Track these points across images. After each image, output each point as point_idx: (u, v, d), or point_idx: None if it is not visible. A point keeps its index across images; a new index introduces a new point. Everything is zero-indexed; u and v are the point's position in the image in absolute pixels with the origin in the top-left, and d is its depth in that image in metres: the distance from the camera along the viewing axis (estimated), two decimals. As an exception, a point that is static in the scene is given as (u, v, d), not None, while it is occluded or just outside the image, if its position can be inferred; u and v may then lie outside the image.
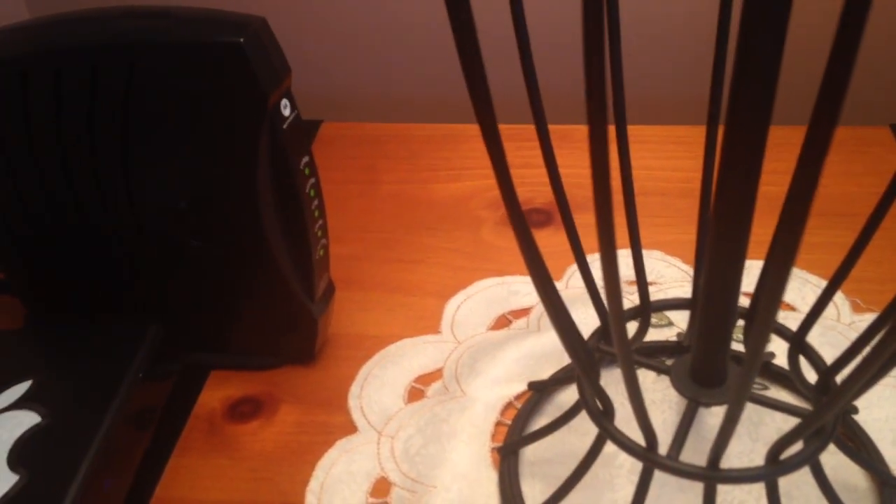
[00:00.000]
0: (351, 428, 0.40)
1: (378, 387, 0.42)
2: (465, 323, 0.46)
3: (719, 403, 0.32)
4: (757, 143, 0.24)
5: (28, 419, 0.35)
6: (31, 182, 0.39)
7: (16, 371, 0.37)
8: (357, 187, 0.58)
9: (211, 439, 0.40)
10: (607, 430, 0.31)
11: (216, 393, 0.43)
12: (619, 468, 0.37)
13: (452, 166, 0.60)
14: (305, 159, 0.39)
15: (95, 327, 0.40)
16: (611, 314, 0.25)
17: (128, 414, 0.36)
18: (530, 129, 0.57)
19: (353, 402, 0.41)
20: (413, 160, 0.61)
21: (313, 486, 0.38)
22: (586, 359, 0.31)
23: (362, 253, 0.51)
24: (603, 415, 0.32)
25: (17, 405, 0.36)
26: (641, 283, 0.37)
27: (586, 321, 0.44)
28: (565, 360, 0.42)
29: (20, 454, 0.33)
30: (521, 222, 0.26)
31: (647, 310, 0.37)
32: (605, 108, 0.21)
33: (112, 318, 0.41)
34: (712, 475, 0.29)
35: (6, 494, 0.32)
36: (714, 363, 0.32)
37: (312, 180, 0.39)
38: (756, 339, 0.23)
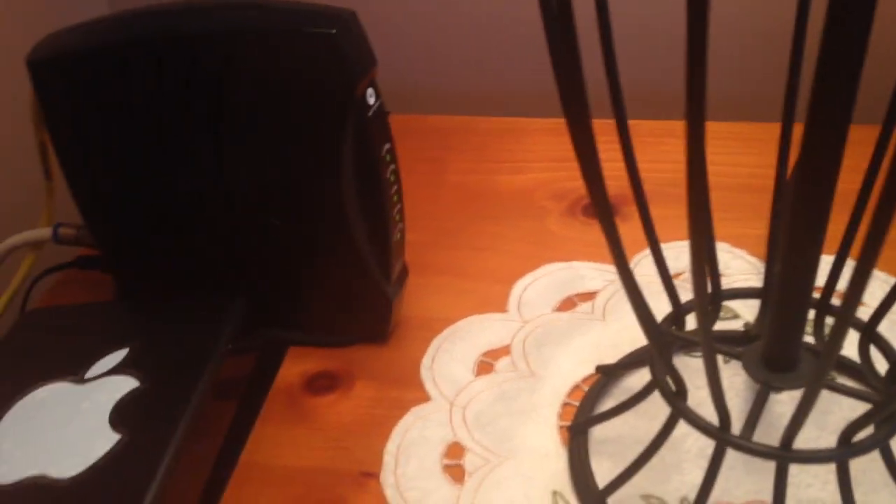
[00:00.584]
0: (424, 400, 0.42)
1: (448, 359, 0.44)
2: (532, 303, 0.47)
3: (791, 388, 0.33)
4: (837, 141, 0.25)
5: (126, 384, 0.37)
6: (129, 164, 0.41)
7: (113, 340, 0.40)
8: (423, 177, 0.59)
9: (291, 411, 0.42)
10: (680, 410, 0.33)
11: (295, 368, 0.45)
12: (687, 452, 0.38)
13: (516, 158, 0.61)
14: (387, 146, 0.41)
15: (185, 302, 0.42)
16: (695, 291, 0.26)
17: (216, 383, 0.38)
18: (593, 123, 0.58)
19: (425, 374, 0.43)
20: (477, 152, 0.62)
21: (390, 448, 0.40)
22: (661, 338, 0.33)
23: (429, 240, 0.53)
24: (676, 395, 0.33)
25: (116, 371, 0.38)
26: (714, 271, 0.38)
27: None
28: (630, 349, 0.43)
29: (120, 416, 0.36)
30: (604, 198, 0.27)
31: (719, 297, 0.38)
32: (704, 107, 0.22)
33: (199, 293, 0.43)
34: (786, 455, 0.30)
35: (109, 451, 0.34)
36: (787, 349, 0.33)
37: (392, 166, 0.41)
38: (839, 323, 0.24)
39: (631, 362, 0.42)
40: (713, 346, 0.29)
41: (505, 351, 0.45)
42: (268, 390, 0.43)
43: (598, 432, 0.39)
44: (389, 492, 0.38)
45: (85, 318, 0.43)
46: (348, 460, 0.40)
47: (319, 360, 0.45)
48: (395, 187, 0.41)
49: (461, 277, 0.50)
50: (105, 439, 0.34)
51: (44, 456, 0.34)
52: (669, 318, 0.37)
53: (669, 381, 0.33)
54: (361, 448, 0.40)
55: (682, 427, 0.35)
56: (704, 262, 0.25)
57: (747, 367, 0.34)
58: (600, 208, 0.28)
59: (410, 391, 0.43)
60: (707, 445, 0.38)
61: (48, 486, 0.33)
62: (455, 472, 0.38)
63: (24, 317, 0.44)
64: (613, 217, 0.28)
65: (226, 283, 0.43)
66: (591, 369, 0.43)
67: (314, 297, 0.44)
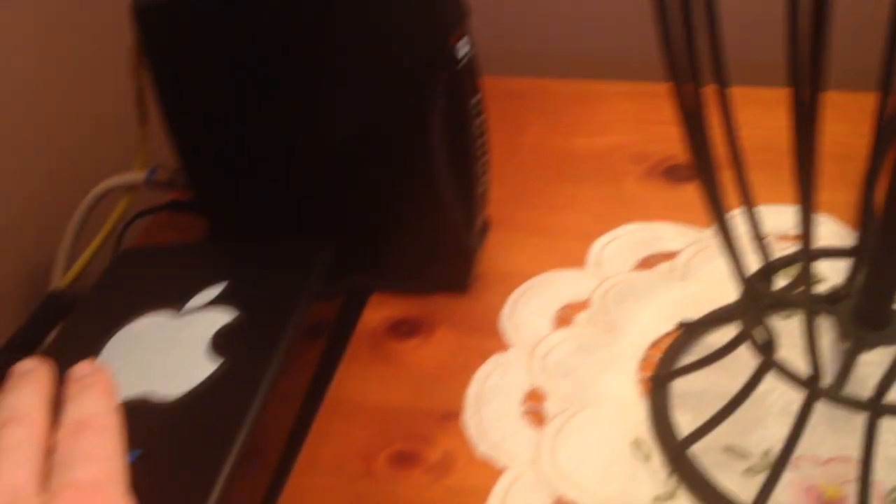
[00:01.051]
0: (503, 348, 0.43)
1: (527, 311, 0.45)
2: (611, 261, 0.47)
3: (883, 344, 0.33)
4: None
5: (223, 317, 0.39)
6: (229, 108, 0.43)
7: (209, 276, 0.41)
8: (501, 136, 0.59)
9: (375, 353, 0.44)
10: (771, 361, 0.33)
11: (377, 313, 0.46)
12: (770, 408, 0.38)
13: (593, 121, 0.61)
14: (476, 97, 0.41)
15: (277, 244, 0.43)
16: (802, 233, 0.26)
17: (306, 322, 0.40)
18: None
19: (504, 324, 0.44)
20: (555, 115, 0.62)
21: (471, 391, 0.41)
22: (754, 288, 0.33)
23: (507, 198, 0.54)
24: (767, 346, 0.33)
25: (213, 305, 0.39)
26: (807, 229, 0.38)
27: (730, 275, 0.45)
28: (711, 308, 0.43)
29: (218, 346, 0.37)
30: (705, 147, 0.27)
31: (813, 255, 0.38)
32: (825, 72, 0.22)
33: (288, 237, 0.44)
34: (878, 407, 0.30)
35: (209, 377, 0.35)
36: (879, 306, 0.33)
37: (480, 118, 0.42)
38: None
39: (715, 318, 0.42)
40: (811, 293, 0.29)
41: (583, 305, 0.45)
42: (352, 333, 0.45)
43: (678, 387, 0.40)
44: (472, 432, 0.39)
45: (180, 256, 0.44)
46: (431, 401, 0.41)
47: (401, 307, 0.46)
48: (482, 140, 0.42)
49: (539, 235, 0.51)
50: (204, 367, 0.36)
51: (148, 379, 0.36)
52: (759, 273, 0.37)
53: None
54: (443, 391, 0.41)
55: (765, 384, 0.35)
56: (811, 208, 0.25)
57: (840, 323, 0.34)
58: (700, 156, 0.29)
59: (490, 340, 0.44)
60: (790, 402, 0.39)
61: (153, 406, 0.34)
62: (535, 417, 0.39)
63: (121, 255, 0.46)
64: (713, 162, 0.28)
65: (313, 230, 0.45)
66: (671, 326, 0.43)
67: (398, 246, 0.45)
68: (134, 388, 0.35)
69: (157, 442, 0.33)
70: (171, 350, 0.37)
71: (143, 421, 0.34)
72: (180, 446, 0.33)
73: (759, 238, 0.38)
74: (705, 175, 0.31)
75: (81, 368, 0.31)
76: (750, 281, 0.32)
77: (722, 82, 0.34)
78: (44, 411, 0.28)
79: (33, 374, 0.30)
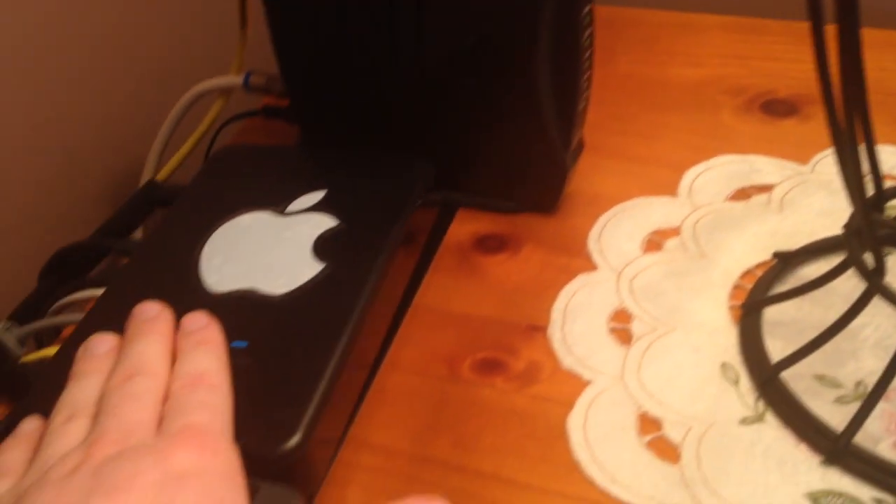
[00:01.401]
0: (590, 269, 0.43)
1: (616, 234, 0.44)
2: (704, 191, 0.47)
3: None
4: None
5: (326, 222, 0.39)
6: (334, 15, 0.42)
7: (310, 181, 0.42)
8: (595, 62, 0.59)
9: (461, 264, 0.44)
10: (879, 287, 0.32)
11: (464, 227, 0.46)
12: (864, 341, 0.38)
13: (689, 52, 0.59)
14: (587, 8, 0.40)
15: (374, 156, 0.44)
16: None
17: (404, 232, 0.40)
18: (770, 24, 0.56)
19: (592, 245, 0.44)
20: (649, 44, 0.61)
21: (557, 306, 0.41)
22: (869, 212, 0.32)
23: (599, 123, 0.52)
24: (874, 272, 0.32)
25: (316, 209, 0.40)
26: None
27: (828, 209, 0.44)
28: (807, 241, 0.42)
29: (322, 248, 0.38)
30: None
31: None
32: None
33: (386, 151, 0.44)
34: None
35: (314, 277, 0.36)
36: None
37: (590, 30, 0.41)
38: None
39: (813, 249, 0.41)
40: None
41: (674, 232, 0.44)
42: (438, 244, 0.45)
43: (770, 315, 0.39)
44: (557, 345, 0.39)
45: (279, 158, 0.45)
46: (517, 314, 0.41)
47: (488, 223, 0.46)
48: (589, 52, 0.41)
49: (630, 161, 0.50)
50: (309, 266, 0.36)
51: (253, 273, 0.36)
52: (871, 200, 0.36)
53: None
54: (529, 305, 0.41)
55: (861, 317, 0.35)
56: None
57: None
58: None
59: (577, 260, 0.44)
60: (885, 337, 0.38)
61: (259, 300, 0.35)
62: (622, 336, 0.39)
63: (221, 151, 0.46)
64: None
65: (407, 143, 0.45)
66: (765, 256, 0.42)
67: (492, 161, 0.45)
68: (239, 281, 0.36)
69: (264, 335, 0.34)
70: (276, 248, 0.38)
71: (249, 314, 0.35)
72: (286, 341, 0.33)
73: (874, 166, 0.37)
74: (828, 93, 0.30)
75: (196, 319, 0.32)
76: (866, 202, 0.31)
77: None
78: (167, 364, 0.30)
79: (159, 323, 0.32)
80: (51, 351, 0.39)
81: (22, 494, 0.26)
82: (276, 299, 0.35)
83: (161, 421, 0.28)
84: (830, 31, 0.28)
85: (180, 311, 0.35)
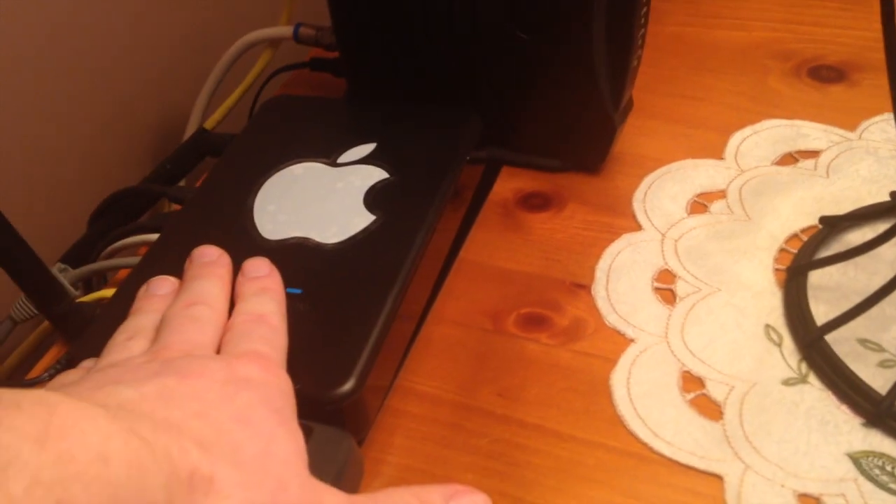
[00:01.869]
0: (635, 229, 0.43)
1: (661, 195, 0.44)
2: (750, 154, 0.46)
3: None
4: None
5: (377, 174, 0.39)
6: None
7: (360, 133, 0.42)
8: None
9: (506, 221, 0.44)
10: (930, 252, 0.32)
11: (508, 184, 0.47)
12: (909, 307, 0.38)
13: (737, 16, 0.59)
14: (645, -37, 0.40)
15: (421, 108, 0.44)
16: None
17: (454, 186, 0.40)
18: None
19: (637, 206, 0.44)
20: (696, 5, 0.60)
21: (601, 265, 0.41)
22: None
23: (644, 85, 0.52)
24: (926, 238, 0.32)
25: (366, 161, 0.40)
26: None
27: (875, 176, 0.44)
28: (853, 208, 0.42)
29: (374, 200, 0.38)
30: None
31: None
32: None
33: (434, 105, 0.45)
34: None
35: (367, 227, 0.37)
36: None
37: (649, -16, 0.40)
38: None
39: (860, 214, 0.41)
40: None
41: (720, 195, 0.45)
42: (483, 201, 0.45)
43: (814, 279, 0.39)
44: (601, 302, 0.39)
45: (328, 110, 0.45)
46: (560, 271, 0.41)
47: (532, 181, 0.47)
48: (646, 9, 0.40)
49: (676, 123, 0.50)
50: (361, 217, 0.37)
51: (306, 222, 0.37)
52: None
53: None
54: (573, 262, 0.42)
55: (907, 284, 0.35)
56: None
57: None
58: None
59: (622, 220, 0.44)
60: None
61: (314, 248, 0.36)
62: (665, 295, 0.40)
63: (270, 101, 0.47)
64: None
65: (458, 97, 0.45)
66: (810, 221, 0.42)
67: (541, 118, 0.45)
68: (293, 229, 0.37)
69: (318, 283, 0.34)
70: (328, 198, 0.38)
71: (303, 262, 0.35)
72: (340, 289, 0.34)
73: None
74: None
75: (259, 266, 0.33)
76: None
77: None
78: (226, 301, 0.32)
79: (219, 267, 0.33)
80: (108, 292, 0.40)
81: (87, 378, 0.26)
82: (330, 248, 0.36)
83: (221, 348, 0.29)
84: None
85: (237, 257, 0.36)
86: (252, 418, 0.25)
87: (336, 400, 0.30)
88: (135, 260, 0.42)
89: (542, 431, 0.35)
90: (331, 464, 0.29)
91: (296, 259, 0.35)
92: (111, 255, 0.44)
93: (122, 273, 0.44)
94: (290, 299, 0.33)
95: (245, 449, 0.24)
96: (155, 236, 0.41)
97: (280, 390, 0.27)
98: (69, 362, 0.34)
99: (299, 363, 0.31)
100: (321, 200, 0.38)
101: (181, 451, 0.22)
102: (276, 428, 0.26)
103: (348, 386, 0.30)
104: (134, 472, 0.20)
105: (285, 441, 0.26)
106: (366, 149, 0.41)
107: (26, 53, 0.43)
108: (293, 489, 0.24)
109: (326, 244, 0.36)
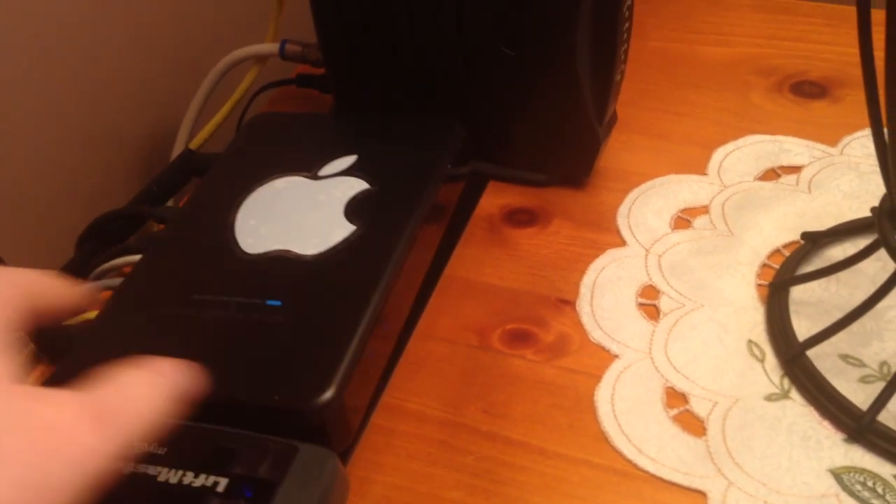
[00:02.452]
0: (619, 244, 0.43)
1: (646, 210, 0.45)
2: (733, 170, 0.47)
3: None
4: None
5: (358, 185, 0.40)
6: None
7: (342, 146, 0.42)
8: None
9: (491, 237, 0.45)
10: (909, 268, 0.32)
11: (494, 200, 0.47)
12: (889, 322, 0.38)
13: (720, 31, 0.59)
14: (629, -21, 0.40)
15: (408, 120, 0.44)
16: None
17: (434, 201, 0.40)
18: (802, 5, 0.56)
19: (621, 221, 0.44)
20: (680, 21, 0.61)
21: (586, 281, 0.41)
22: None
23: (627, 99, 0.53)
24: (905, 254, 0.33)
25: (347, 173, 0.40)
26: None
27: (856, 192, 0.45)
28: (835, 223, 0.43)
29: (354, 211, 0.38)
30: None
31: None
32: None
33: (416, 115, 0.45)
34: None
35: (347, 238, 0.37)
36: None
37: (630, 1, 0.41)
38: None
39: (842, 230, 0.41)
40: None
41: (703, 210, 0.45)
42: (468, 217, 0.46)
43: (796, 294, 0.40)
44: (585, 318, 0.40)
45: (312, 125, 0.45)
46: (546, 287, 0.42)
47: (517, 197, 0.47)
48: (628, 24, 0.41)
49: (659, 138, 0.50)
50: (342, 228, 0.37)
51: (287, 235, 0.37)
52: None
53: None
54: (558, 278, 0.42)
55: (887, 300, 0.35)
56: None
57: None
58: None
59: (606, 235, 0.44)
60: (914, 319, 0.38)
61: (293, 260, 0.36)
62: (649, 311, 0.40)
63: (254, 119, 0.47)
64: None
65: (445, 112, 0.45)
66: (793, 236, 0.43)
67: (526, 132, 0.46)
68: (274, 242, 0.37)
69: (297, 294, 0.35)
70: (309, 211, 0.39)
71: (283, 274, 0.36)
72: (319, 300, 0.34)
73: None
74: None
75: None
76: (898, 186, 0.32)
77: None
78: None
79: None
80: (91, 314, 0.40)
81: None
82: (309, 260, 0.36)
83: None
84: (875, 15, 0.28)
85: (218, 273, 0.36)
86: None
87: (316, 410, 0.30)
88: (115, 281, 0.42)
89: (527, 448, 0.35)
90: (316, 483, 0.29)
91: (275, 271, 0.36)
92: (99, 277, 0.44)
93: (108, 294, 0.44)
94: (269, 311, 0.34)
95: None
96: (137, 256, 0.41)
97: None
98: (53, 385, 0.34)
99: (278, 375, 0.31)
100: (302, 213, 0.38)
101: None
102: None
103: (328, 395, 0.30)
104: None
105: None
106: (347, 161, 0.41)
107: (9, 75, 0.43)
108: None
109: (306, 255, 0.36)
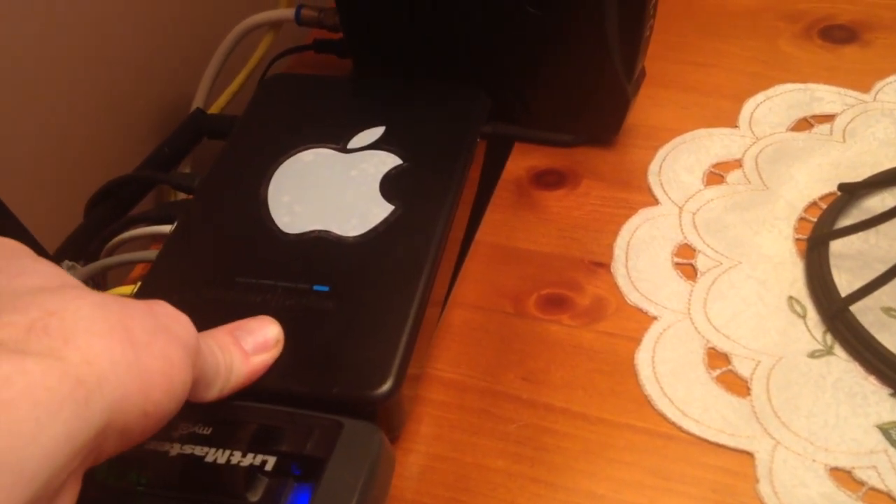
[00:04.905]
0: (651, 203, 0.43)
1: (677, 167, 0.44)
2: (764, 121, 0.46)
3: None
4: None
5: (390, 160, 0.39)
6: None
7: (369, 115, 0.41)
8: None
9: (520, 200, 0.44)
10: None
11: (521, 162, 0.46)
12: (932, 273, 0.37)
13: (744, -24, 0.58)
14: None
15: (429, 87, 0.43)
16: None
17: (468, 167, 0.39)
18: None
19: (652, 179, 0.44)
20: (702, -33, 0.59)
21: (619, 242, 0.41)
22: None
23: (654, 53, 0.51)
24: (953, 206, 0.32)
25: (377, 146, 0.39)
26: None
27: (892, 139, 0.44)
28: (871, 172, 0.42)
29: (390, 188, 0.37)
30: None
31: None
32: None
33: (442, 83, 0.44)
34: None
35: (385, 219, 0.36)
36: None
37: (658, -47, 0.39)
38: None
39: (879, 180, 0.40)
40: None
41: (735, 164, 0.44)
42: (496, 180, 0.45)
43: (835, 248, 0.39)
44: (621, 281, 0.39)
45: (334, 89, 0.44)
46: (579, 249, 0.41)
47: (545, 158, 0.46)
48: (658, -23, 0.40)
49: (687, 91, 0.49)
50: (380, 207, 0.36)
51: (325, 214, 0.36)
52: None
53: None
54: (591, 240, 0.41)
55: (930, 250, 0.34)
56: None
57: None
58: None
59: (637, 194, 0.43)
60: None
61: (335, 241, 0.35)
62: (686, 270, 0.39)
63: (273, 79, 0.45)
64: None
65: (466, 74, 0.44)
66: (828, 188, 0.42)
67: (553, 92, 0.44)
68: (312, 222, 0.36)
69: (344, 278, 0.34)
70: (343, 188, 0.38)
71: (327, 256, 0.35)
72: (367, 284, 0.34)
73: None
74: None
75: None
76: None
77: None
78: None
79: None
80: (125, 289, 0.39)
81: None
82: (352, 241, 0.35)
83: None
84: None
85: (259, 253, 0.35)
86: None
87: (375, 402, 0.30)
88: (144, 254, 0.42)
89: (569, 414, 0.35)
90: (363, 458, 0.29)
91: (319, 254, 0.35)
92: (116, 248, 0.43)
93: (137, 270, 0.44)
94: (318, 297, 0.33)
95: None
96: (162, 228, 0.41)
97: None
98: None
99: (333, 364, 0.31)
100: (337, 190, 0.38)
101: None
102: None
103: (387, 387, 0.30)
104: None
105: None
106: (375, 132, 0.40)
107: (24, 41, 0.42)
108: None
109: (348, 237, 0.35)
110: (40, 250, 0.33)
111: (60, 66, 0.45)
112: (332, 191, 0.38)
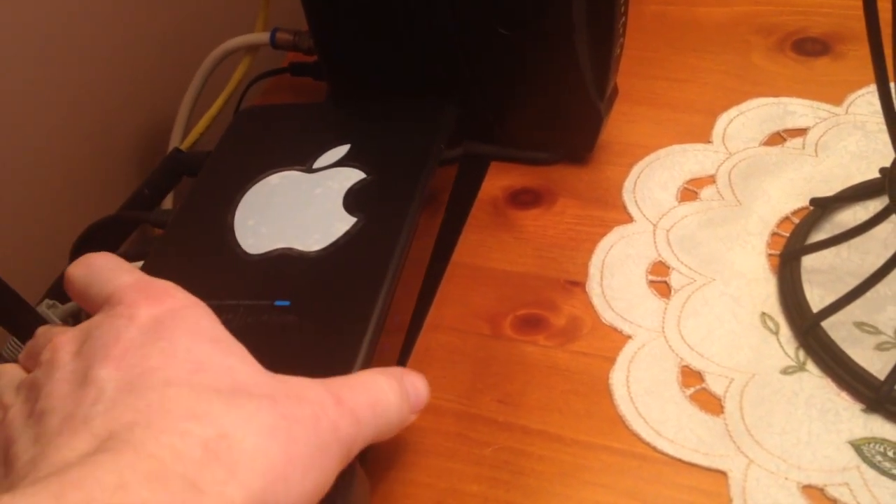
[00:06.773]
0: (626, 221, 0.43)
1: (651, 184, 0.44)
2: (738, 136, 0.46)
3: None
4: None
5: (354, 175, 0.39)
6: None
7: (334, 135, 0.41)
8: (618, 5, 0.57)
9: (497, 220, 0.44)
10: (922, 237, 0.32)
11: (497, 182, 0.46)
12: (903, 286, 0.38)
13: (718, -9, 0.58)
14: (624, -49, 0.39)
15: (398, 103, 0.43)
16: None
17: (431, 185, 0.40)
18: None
19: (627, 196, 0.44)
20: (676, -19, 0.59)
21: (595, 261, 0.41)
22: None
23: (628, 69, 0.52)
24: (918, 222, 0.32)
25: (342, 163, 0.40)
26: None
27: (864, 152, 0.44)
28: (843, 186, 0.42)
29: (353, 202, 0.38)
30: None
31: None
32: None
33: (408, 97, 0.44)
34: None
35: (348, 231, 0.36)
36: None
37: (626, -27, 0.40)
38: None
39: (851, 194, 0.41)
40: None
41: (709, 180, 0.44)
42: (472, 201, 0.45)
43: (807, 262, 0.39)
44: (596, 300, 0.39)
45: (303, 115, 0.45)
46: (555, 269, 0.41)
47: (520, 177, 0.46)
48: (626, -3, 0.40)
49: (661, 107, 0.49)
50: (342, 221, 0.37)
51: (288, 232, 0.37)
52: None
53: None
54: (566, 259, 0.42)
55: (901, 264, 0.35)
56: None
57: None
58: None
59: (612, 212, 0.44)
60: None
61: (297, 257, 0.36)
62: (660, 288, 0.39)
63: (242, 113, 0.46)
64: None
65: (441, 95, 0.44)
66: (801, 203, 0.42)
67: (526, 111, 0.45)
68: (276, 241, 0.37)
69: (305, 292, 0.34)
70: (307, 205, 0.38)
71: (289, 273, 0.35)
72: (327, 297, 0.34)
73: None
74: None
75: None
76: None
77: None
78: None
79: None
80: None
81: None
82: (313, 256, 0.36)
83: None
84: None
85: (222, 276, 0.36)
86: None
87: None
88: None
89: (545, 437, 0.35)
90: (337, 484, 0.29)
91: (280, 271, 0.35)
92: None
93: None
94: (279, 312, 0.33)
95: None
96: (139, 264, 0.41)
97: (188, 306, 0.28)
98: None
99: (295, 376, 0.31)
100: (301, 208, 0.38)
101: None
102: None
103: None
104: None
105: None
106: (341, 150, 0.40)
107: None
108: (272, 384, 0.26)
109: (310, 252, 0.36)
110: (33, 315, 0.33)
111: (38, 113, 0.45)
112: (296, 210, 0.38)
